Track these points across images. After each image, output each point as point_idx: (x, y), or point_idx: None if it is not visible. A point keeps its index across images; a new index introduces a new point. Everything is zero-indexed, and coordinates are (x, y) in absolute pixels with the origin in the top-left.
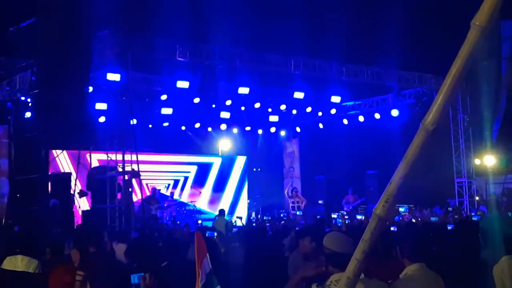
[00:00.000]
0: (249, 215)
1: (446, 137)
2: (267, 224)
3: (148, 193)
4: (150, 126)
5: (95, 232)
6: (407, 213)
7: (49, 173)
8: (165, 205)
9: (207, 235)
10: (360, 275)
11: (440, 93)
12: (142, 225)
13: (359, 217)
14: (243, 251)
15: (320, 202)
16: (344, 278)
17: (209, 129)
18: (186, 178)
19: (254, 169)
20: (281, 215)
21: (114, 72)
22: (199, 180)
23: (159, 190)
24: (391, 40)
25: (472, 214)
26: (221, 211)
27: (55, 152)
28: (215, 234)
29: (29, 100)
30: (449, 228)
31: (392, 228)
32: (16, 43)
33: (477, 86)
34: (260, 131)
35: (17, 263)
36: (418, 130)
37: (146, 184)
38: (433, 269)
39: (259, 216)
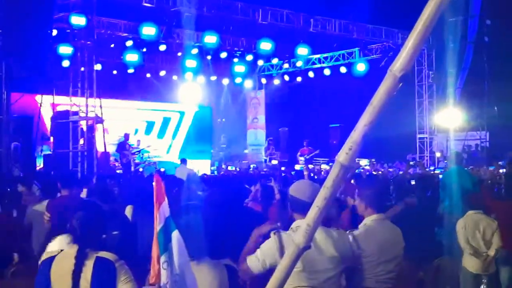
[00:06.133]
0: (211, 164)
1: (410, 93)
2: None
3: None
4: (115, 72)
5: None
6: (368, 166)
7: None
8: (133, 152)
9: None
10: (320, 223)
11: (410, 38)
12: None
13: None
14: (205, 198)
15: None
16: (304, 225)
17: (174, 77)
18: (150, 125)
19: (219, 120)
20: (250, 166)
21: (79, 16)
22: (163, 128)
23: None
24: None
25: (432, 168)
26: (183, 160)
27: (18, 95)
28: None
29: None
30: (411, 182)
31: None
32: None
33: (443, 42)
34: (225, 81)
35: None
36: (386, 76)
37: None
38: (393, 222)
39: (223, 166)
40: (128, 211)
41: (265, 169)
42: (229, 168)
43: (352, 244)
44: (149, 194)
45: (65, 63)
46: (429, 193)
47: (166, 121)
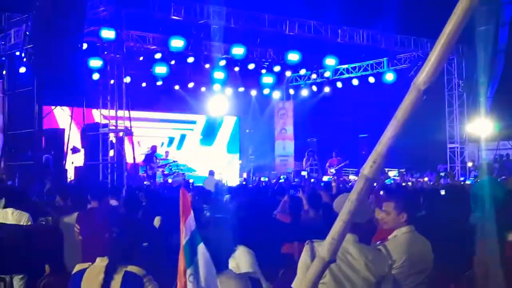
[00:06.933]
0: (240, 175)
1: (440, 102)
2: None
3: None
4: (144, 84)
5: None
6: (398, 177)
7: (43, 129)
8: (160, 164)
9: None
10: (345, 237)
11: (434, 51)
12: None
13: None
14: (233, 209)
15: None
16: (329, 238)
17: (203, 89)
18: (180, 137)
19: (247, 131)
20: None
21: (108, 29)
22: (192, 140)
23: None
24: (388, 2)
25: (462, 178)
26: (211, 172)
27: (49, 108)
28: None
29: (23, 55)
30: (441, 193)
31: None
32: None
33: (473, 51)
34: (253, 92)
35: (8, 216)
36: (410, 89)
37: (138, 142)
38: (422, 234)
39: (253, 177)
40: (156, 222)
41: (296, 180)
42: (261, 179)
43: (387, 260)
44: (177, 206)
45: (95, 76)
46: (460, 204)
47: (192, 132)
